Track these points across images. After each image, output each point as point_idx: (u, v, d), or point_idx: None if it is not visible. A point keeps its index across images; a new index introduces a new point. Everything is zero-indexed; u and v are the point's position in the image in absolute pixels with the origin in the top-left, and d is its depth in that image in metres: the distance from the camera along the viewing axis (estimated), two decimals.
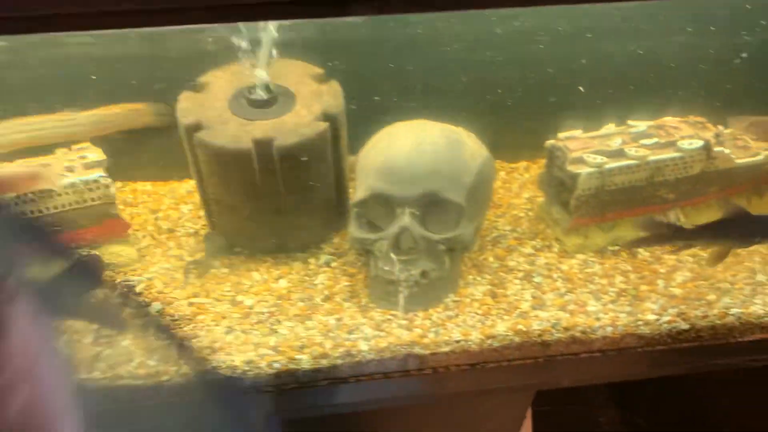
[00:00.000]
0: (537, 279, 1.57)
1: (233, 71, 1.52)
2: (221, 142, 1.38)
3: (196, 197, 1.69)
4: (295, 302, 1.50)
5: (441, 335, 1.42)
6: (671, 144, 1.48)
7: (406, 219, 1.41)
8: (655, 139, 1.48)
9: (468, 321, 1.46)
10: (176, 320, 1.46)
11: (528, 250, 1.64)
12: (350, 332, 1.43)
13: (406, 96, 1.64)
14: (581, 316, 1.46)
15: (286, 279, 1.56)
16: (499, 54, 1.64)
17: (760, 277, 1.55)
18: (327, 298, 1.52)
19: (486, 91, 1.66)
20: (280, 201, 1.49)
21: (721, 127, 1.51)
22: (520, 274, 1.58)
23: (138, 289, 1.53)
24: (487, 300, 1.51)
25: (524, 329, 1.43)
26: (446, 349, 1.43)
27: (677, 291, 1.52)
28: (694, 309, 1.47)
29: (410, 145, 1.40)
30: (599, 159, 1.47)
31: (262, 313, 1.48)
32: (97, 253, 1.52)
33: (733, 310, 1.46)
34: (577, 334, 1.45)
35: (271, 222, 1.53)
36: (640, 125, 1.53)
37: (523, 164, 1.91)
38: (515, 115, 1.72)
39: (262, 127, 1.41)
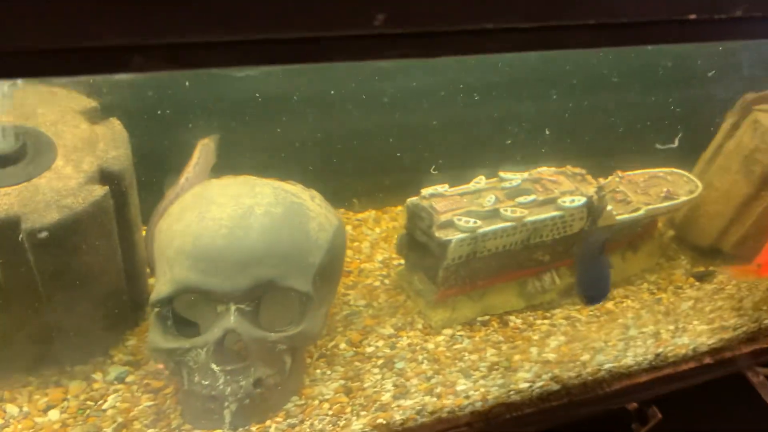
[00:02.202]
0: (399, 365, 1.28)
1: None
2: None
3: None
4: None
5: None
6: (550, 201, 1.25)
7: (231, 319, 1.03)
8: (533, 197, 1.24)
9: (316, 425, 1.15)
10: None
11: (387, 330, 1.33)
12: None
13: (228, 144, 1.24)
14: (449, 398, 1.24)
15: (58, 408, 1.10)
16: (342, 106, 1.32)
17: (632, 332, 1.44)
18: (122, 427, 1.08)
19: (326, 139, 1.33)
20: (40, 302, 1.01)
21: (601, 180, 1.32)
22: (380, 362, 1.28)
23: None
24: (339, 398, 1.20)
25: (384, 422, 1.18)
26: None
27: (551, 356, 1.36)
28: (567, 371, 1.32)
29: (233, 217, 1.00)
30: (471, 223, 1.20)
31: None
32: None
33: (606, 366, 1.34)
34: (444, 416, 1.22)
35: (28, 332, 1.04)
36: (513, 178, 1.28)
37: (371, 214, 1.59)
38: (360, 160, 1.41)
39: (0, 199, 0.92)
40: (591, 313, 1.46)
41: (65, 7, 0.43)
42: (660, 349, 1.40)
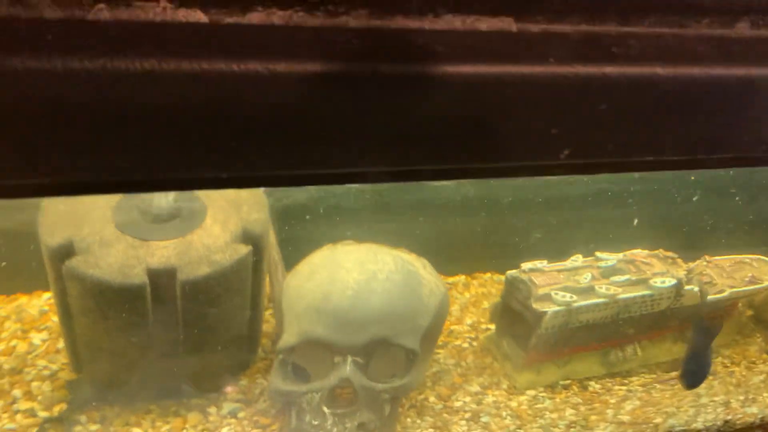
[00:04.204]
0: (484, 419, 1.35)
1: None
2: (102, 275, 1.00)
3: (54, 319, 1.27)
4: None
5: None
6: (643, 281, 1.33)
7: (347, 369, 1.12)
8: (627, 276, 1.32)
9: None
10: None
11: (474, 388, 1.41)
12: None
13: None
14: None
15: None
16: None
17: (703, 400, 1.48)
18: None
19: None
20: (177, 342, 1.13)
21: (691, 264, 1.39)
22: (467, 415, 1.35)
23: None
24: None
25: None
26: None
27: (626, 418, 1.40)
28: None
29: (358, 281, 1.11)
30: (568, 297, 1.28)
31: None
32: None
33: (677, 429, 1.38)
34: None
35: (163, 367, 1.16)
36: (609, 258, 1.37)
37: (461, 279, 1.68)
38: (452, 225, 1.51)
39: (160, 252, 1.05)
40: (664, 381, 1.51)
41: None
42: (729, 417, 1.43)
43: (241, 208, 1.15)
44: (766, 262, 1.49)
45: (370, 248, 1.18)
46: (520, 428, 1.34)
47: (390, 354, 1.17)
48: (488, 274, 1.61)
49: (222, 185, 0.49)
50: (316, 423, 1.15)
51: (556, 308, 1.27)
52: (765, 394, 1.52)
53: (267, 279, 1.27)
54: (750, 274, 1.43)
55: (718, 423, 1.42)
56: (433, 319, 1.17)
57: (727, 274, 1.43)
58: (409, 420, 1.32)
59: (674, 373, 1.46)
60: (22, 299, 1.34)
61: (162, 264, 1.04)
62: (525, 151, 0.60)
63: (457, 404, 1.37)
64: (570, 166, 0.63)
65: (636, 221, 1.45)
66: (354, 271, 1.12)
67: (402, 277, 1.14)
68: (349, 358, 1.12)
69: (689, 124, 0.61)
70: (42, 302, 1.33)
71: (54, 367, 1.24)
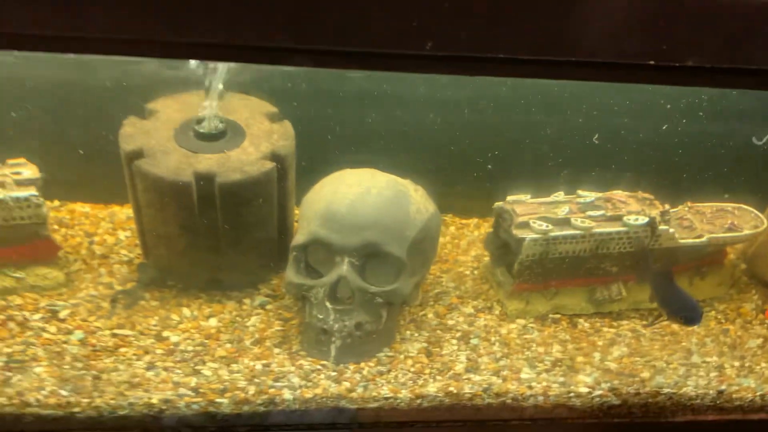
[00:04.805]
0: (474, 341, 1.54)
1: (184, 101, 1.49)
2: (161, 173, 1.34)
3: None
4: (223, 343, 1.45)
5: (370, 390, 1.39)
6: (617, 218, 1.48)
7: (344, 268, 1.38)
8: (602, 211, 1.48)
9: (399, 378, 1.42)
10: (97, 351, 1.40)
11: (469, 309, 1.61)
12: (276, 380, 1.39)
13: (361, 146, 1.63)
14: (513, 383, 1.43)
15: (217, 318, 1.51)
16: (461, 115, 1.65)
17: (695, 359, 1.54)
18: (257, 342, 1.47)
19: (446, 148, 1.66)
20: (219, 238, 1.44)
21: (668, 206, 1.52)
22: (458, 334, 1.55)
23: (62, 315, 1.46)
24: (421, 358, 1.47)
25: (455, 392, 1.40)
26: (374, 405, 1.39)
27: (612, 365, 1.51)
28: (627, 385, 1.45)
29: (355, 194, 1.37)
30: (544, 226, 1.46)
31: (187, 352, 1.43)
32: None
33: (666, 390, 1.45)
34: (508, 401, 1.42)
35: (208, 258, 1.49)
36: (588, 196, 1.53)
37: (474, 221, 1.89)
38: (470, 173, 1.72)
39: (205, 161, 1.38)
40: (655, 330, 1.61)
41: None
42: (723, 386, 1.48)
43: (272, 136, 1.46)
44: (749, 211, 1.57)
45: (370, 171, 1.44)
46: (506, 356, 1.51)
47: (381, 262, 1.40)
48: None
49: None
50: (320, 317, 1.41)
51: (534, 236, 1.46)
52: (763, 364, 1.55)
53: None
54: (730, 221, 1.52)
55: (712, 392, 1.47)
56: (419, 233, 1.40)
57: (708, 220, 1.53)
58: (408, 332, 1.55)
59: (662, 319, 1.53)
60: (116, 208, 1.75)
61: (205, 170, 1.36)
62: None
63: (451, 322, 1.58)
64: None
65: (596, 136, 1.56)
66: (353, 186, 1.39)
67: (392, 194, 1.39)
68: (346, 259, 1.38)
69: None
70: (129, 211, 1.72)
71: (131, 255, 1.61)
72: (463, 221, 1.89)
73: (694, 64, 0.80)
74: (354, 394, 1.37)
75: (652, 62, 0.79)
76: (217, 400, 1.33)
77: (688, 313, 1.38)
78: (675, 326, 1.59)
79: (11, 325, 1.43)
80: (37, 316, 1.46)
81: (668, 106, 1.55)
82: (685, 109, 1.54)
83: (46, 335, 1.42)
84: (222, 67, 1.37)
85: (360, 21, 0.77)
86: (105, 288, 1.53)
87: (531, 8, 0.80)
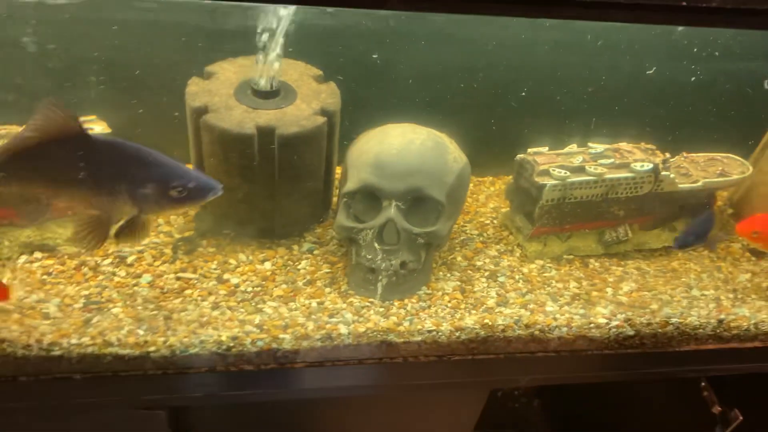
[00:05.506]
0: (501, 279, 1.72)
1: (240, 64, 1.63)
2: (226, 126, 1.48)
3: None
4: (279, 284, 1.60)
5: (415, 324, 1.54)
6: (625, 165, 1.69)
7: (392, 211, 1.54)
8: (611, 160, 1.68)
9: (439, 313, 1.58)
10: (165, 293, 1.53)
11: (493, 252, 1.80)
12: (331, 316, 1.53)
13: (392, 101, 1.80)
14: (540, 315, 1.61)
15: (270, 262, 1.66)
16: (480, 77, 1.82)
17: (694, 292, 1.75)
18: (309, 283, 1.61)
19: (464, 112, 1.84)
20: (274, 187, 1.59)
21: (668, 155, 1.74)
22: (486, 274, 1.73)
23: (129, 261, 1.59)
24: (456, 295, 1.64)
25: (490, 323, 1.56)
26: (418, 338, 1.54)
27: (624, 299, 1.70)
28: (639, 316, 1.64)
29: (401, 144, 1.54)
30: (563, 173, 1.66)
31: (247, 293, 1.56)
32: None
33: (673, 320, 1.64)
34: (536, 333, 1.59)
35: (262, 207, 1.63)
36: (599, 147, 1.73)
37: (489, 179, 2.10)
38: (486, 135, 1.90)
39: (265, 116, 1.52)
40: (657, 268, 1.82)
41: None
42: (722, 315, 1.67)
43: (320, 95, 1.62)
44: (736, 159, 1.81)
45: (411, 125, 1.60)
46: (530, 291, 1.68)
47: (423, 206, 1.57)
48: (510, 177, 1.98)
49: None
50: (369, 257, 1.57)
51: (554, 182, 1.65)
52: (753, 296, 1.76)
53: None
54: (721, 168, 1.75)
55: (713, 321, 1.66)
56: (455, 180, 1.58)
57: (701, 167, 1.76)
58: (441, 273, 1.72)
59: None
60: None
61: (266, 123, 1.51)
62: None
63: (479, 263, 1.76)
64: None
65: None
66: (398, 137, 1.56)
67: (433, 144, 1.56)
68: (393, 202, 1.54)
69: None
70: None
71: None
72: (480, 179, 2.08)
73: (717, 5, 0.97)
74: (401, 328, 1.52)
75: (684, 3, 0.96)
76: (281, 335, 1.46)
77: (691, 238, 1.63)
78: (674, 263, 1.82)
79: (85, 269, 1.55)
80: (107, 262, 1.58)
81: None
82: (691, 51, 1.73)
83: (116, 279, 1.55)
84: (278, 33, 1.51)
85: None
86: (165, 236, 1.66)
87: None
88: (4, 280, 1.50)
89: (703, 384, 2.01)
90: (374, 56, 1.74)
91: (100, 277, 1.54)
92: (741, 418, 1.86)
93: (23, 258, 1.56)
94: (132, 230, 1.30)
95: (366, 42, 1.72)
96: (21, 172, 1.17)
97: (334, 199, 1.83)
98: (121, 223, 1.31)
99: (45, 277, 1.53)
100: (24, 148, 1.14)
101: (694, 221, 1.64)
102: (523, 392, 2.89)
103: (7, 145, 1.15)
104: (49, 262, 1.57)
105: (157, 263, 1.60)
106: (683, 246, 1.66)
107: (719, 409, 1.93)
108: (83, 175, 1.18)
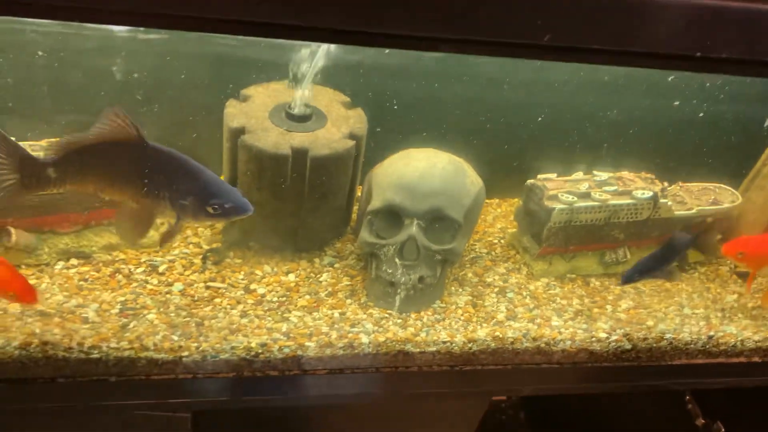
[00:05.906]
0: (509, 294, 1.83)
1: (273, 88, 1.73)
2: (263, 146, 1.58)
3: None
4: (303, 295, 1.69)
5: (431, 335, 1.64)
6: (627, 192, 1.83)
7: (413, 229, 1.64)
8: (615, 187, 1.82)
9: (453, 325, 1.69)
10: (195, 301, 1.61)
11: (501, 270, 1.91)
12: (353, 326, 1.63)
13: (407, 127, 1.92)
14: (546, 329, 1.72)
15: (294, 274, 1.75)
16: (492, 108, 1.96)
17: (686, 310, 1.88)
18: (331, 294, 1.71)
19: (473, 139, 1.96)
20: (301, 204, 1.69)
21: (666, 183, 1.88)
22: (496, 289, 1.84)
23: (161, 270, 1.67)
24: (468, 308, 1.75)
25: (500, 336, 1.67)
26: (434, 348, 1.64)
27: (622, 316, 1.82)
28: (636, 332, 1.76)
29: (424, 168, 1.65)
30: (570, 198, 1.79)
31: (273, 302, 1.66)
32: None
33: (668, 336, 1.77)
34: (542, 345, 1.70)
35: (288, 222, 1.73)
36: (603, 175, 1.87)
37: (495, 201, 2.22)
38: (493, 160, 2.02)
39: (298, 138, 1.62)
40: (652, 288, 1.96)
41: None
42: (711, 332, 1.77)
43: (349, 120, 1.72)
44: (727, 189, 1.96)
45: (433, 150, 1.72)
46: (537, 307, 1.80)
47: (442, 224, 1.68)
48: (516, 199, 2.12)
49: None
50: (390, 271, 1.67)
51: (562, 206, 1.78)
52: (739, 315, 1.89)
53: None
54: (713, 197, 1.91)
55: (703, 338, 1.78)
56: (472, 201, 1.70)
57: (695, 196, 1.91)
58: (453, 288, 1.83)
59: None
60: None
61: (299, 145, 1.61)
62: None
63: (488, 280, 1.87)
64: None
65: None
66: (422, 161, 1.67)
67: (453, 168, 1.68)
68: (415, 221, 1.65)
69: None
70: None
71: None
72: (487, 201, 2.19)
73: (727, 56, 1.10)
74: (418, 338, 1.62)
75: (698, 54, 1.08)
76: (306, 343, 1.56)
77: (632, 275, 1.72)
78: (668, 284, 1.95)
79: (119, 277, 1.63)
80: (140, 270, 1.66)
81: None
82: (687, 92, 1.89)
83: (149, 286, 1.63)
84: (314, 60, 1.62)
85: None
86: (194, 247, 1.75)
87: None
88: (43, 285, 1.57)
89: (687, 397, 2.16)
90: (393, 87, 1.87)
91: (134, 284, 1.62)
92: (723, 430, 2.00)
93: (60, 264, 1.64)
94: (170, 233, 1.40)
95: (387, 74, 1.84)
96: (78, 165, 1.27)
97: (353, 215, 1.94)
98: (166, 227, 1.40)
99: (82, 283, 1.60)
100: (84, 146, 1.24)
101: (644, 257, 1.75)
102: (509, 404, 3.00)
103: (69, 140, 1.25)
104: (85, 268, 1.64)
105: (187, 272, 1.68)
106: (628, 281, 1.75)
107: (703, 421, 2.06)
108: (134, 176, 1.27)
